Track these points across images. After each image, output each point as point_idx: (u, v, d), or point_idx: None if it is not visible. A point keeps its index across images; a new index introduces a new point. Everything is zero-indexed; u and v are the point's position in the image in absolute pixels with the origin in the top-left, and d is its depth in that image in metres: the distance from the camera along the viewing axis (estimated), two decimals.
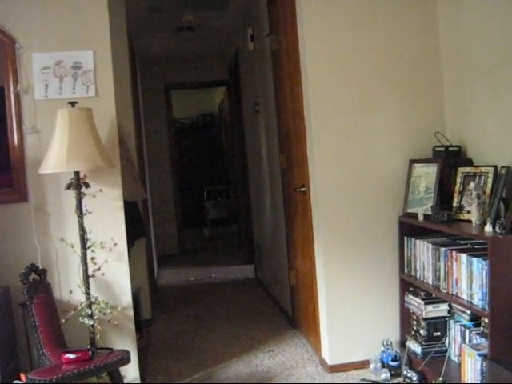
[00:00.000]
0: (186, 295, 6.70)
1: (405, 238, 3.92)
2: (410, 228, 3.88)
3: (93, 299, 3.52)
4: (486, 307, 3.01)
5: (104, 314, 3.57)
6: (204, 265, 8.46)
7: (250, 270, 7.47)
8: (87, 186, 3.48)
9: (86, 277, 3.49)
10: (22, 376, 3.12)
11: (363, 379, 3.83)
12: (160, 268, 8.24)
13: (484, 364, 3.07)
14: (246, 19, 6.21)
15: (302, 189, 4.24)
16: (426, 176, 3.78)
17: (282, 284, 5.49)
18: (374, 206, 3.99)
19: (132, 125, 5.28)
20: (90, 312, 3.47)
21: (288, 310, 5.26)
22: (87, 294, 3.49)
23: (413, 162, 3.92)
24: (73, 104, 3.41)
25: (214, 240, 10.65)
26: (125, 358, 3.25)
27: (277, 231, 5.57)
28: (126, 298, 3.77)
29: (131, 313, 3.78)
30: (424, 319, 3.75)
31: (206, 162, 12.33)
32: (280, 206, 5.21)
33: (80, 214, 3.46)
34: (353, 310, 4.01)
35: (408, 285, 3.94)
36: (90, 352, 3.22)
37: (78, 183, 3.43)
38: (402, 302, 3.98)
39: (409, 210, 3.88)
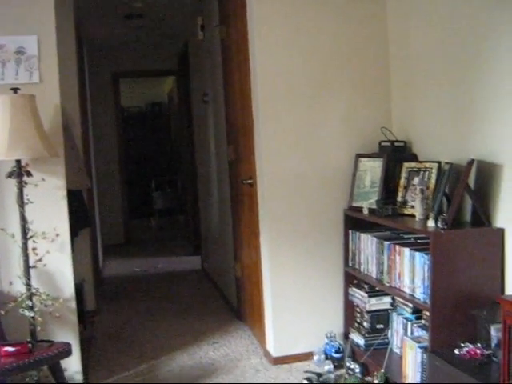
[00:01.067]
0: (132, 286, 6.63)
1: (350, 231, 3.95)
2: (355, 221, 3.92)
3: (34, 290, 3.43)
4: (427, 301, 3.06)
5: (45, 305, 3.49)
6: (150, 255, 8.40)
7: (197, 260, 7.44)
8: (29, 174, 3.39)
9: (27, 268, 3.41)
10: None
11: (307, 371, 3.85)
12: (106, 258, 8.13)
13: (424, 356, 3.12)
14: (196, 8, 6.15)
15: (249, 181, 4.24)
16: (372, 170, 3.82)
17: (227, 275, 5.49)
18: (320, 199, 4.01)
19: (78, 112, 5.19)
20: (30, 304, 3.39)
21: (233, 302, 5.26)
22: (28, 285, 3.41)
23: (359, 156, 3.96)
24: (15, 90, 3.32)
25: (160, 230, 10.58)
26: (66, 351, 3.20)
27: (223, 223, 5.55)
28: (69, 290, 3.70)
29: (74, 304, 3.71)
30: (367, 312, 3.80)
31: (154, 152, 12.22)
32: (227, 197, 5.20)
33: (21, 203, 3.37)
34: (297, 303, 4.03)
35: (352, 278, 3.98)
36: (30, 345, 3.16)
37: (19, 172, 3.34)
38: (346, 294, 4.02)
39: (354, 204, 3.92)
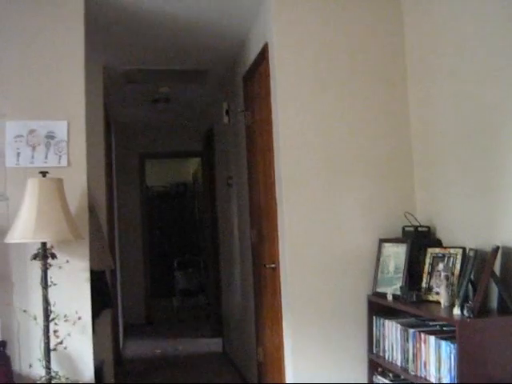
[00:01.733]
0: (152, 368, 6.53)
1: (374, 317, 3.88)
2: (379, 307, 3.85)
3: (53, 374, 3.41)
4: None
5: None
6: (171, 337, 8.30)
7: (218, 343, 7.34)
8: (54, 256, 3.43)
9: (47, 350, 3.39)
10: None
11: None
12: (126, 338, 8.05)
13: None
14: (222, 94, 6.32)
15: (272, 265, 4.22)
16: (396, 256, 3.79)
17: (249, 360, 5.39)
18: (343, 284, 3.97)
19: (104, 195, 5.26)
20: None
21: None
22: (47, 368, 3.38)
23: (382, 241, 3.94)
24: (44, 173, 3.39)
25: (182, 311, 10.48)
26: None
27: (246, 306, 5.50)
28: (88, 373, 3.66)
29: None
30: None
31: (177, 232, 12.27)
32: (250, 280, 5.17)
33: (45, 285, 3.39)
34: None
35: (377, 365, 3.89)
36: None
37: (44, 254, 3.38)
38: (371, 382, 3.92)
39: (378, 290, 3.87)
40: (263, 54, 4.28)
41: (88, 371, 3.67)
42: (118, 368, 5.95)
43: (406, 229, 3.89)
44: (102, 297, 4.82)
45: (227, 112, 5.88)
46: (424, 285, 3.57)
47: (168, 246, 12.02)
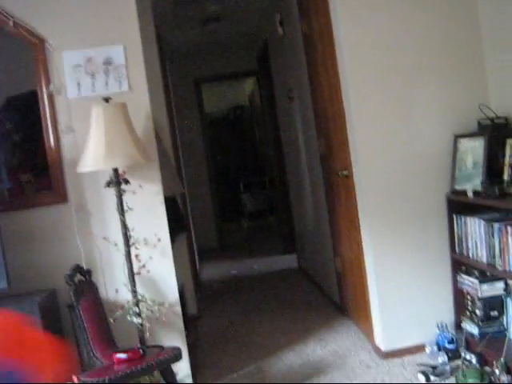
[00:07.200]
0: (230, 289, 6.64)
1: (454, 216, 3.78)
2: (458, 205, 3.74)
3: (139, 297, 3.47)
4: None
5: (151, 311, 3.51)
6: (245, 257, 8.40)
7: (293, 259, 7.37)
8: (127, 182, 3.43)
9: (132, 275, 3.44)
10: (74, 378, 3.08)
11: (420, 364, 3.71)
12: (201, 263, 8.19)
13: None
14: (274, 5, 6.10)
15: (345, 172, 4.13)
16: (473, 150, 3.64)
17: (327, 271, 5.39)
18: (420, 184, 3.86)
19: (166, 120, 5.22)
20: (137, 310, 3.42)
21: (335, 298, 5.16)
22: (133, 292, 3.44)
23: (458, 137, 3.78)
24: (107, 100, 3.35)
25: (253, 232, 10.57)
26: (176, 355, 3.20)
27: (319, 218, 5.46)
28: (173, 294, 3.72)
29: (179, 309, 3.72)
30: (479, 299, 3.62)
31: (239, 155, 12.26)
32: (321, 191, 5.10)
33: (121, 211, 3.41)
34: (404, 294, 3.89)
35: (460, 264, 3.81)
36: (141, 351, 3.18)
37: (117, 180, 3.38)
38: (455, 282, 3.85)
39: (457, 187, 3.75)
40: None
41: (172, 293, 3.72)
42: (197, 291, 6.06)
43: (482, 122, 3.71)
44: (175, 222, 4.86)
45: (281, 22, 5.68)
46: (506, 177, 3.42)
47: (232, 169, 12.05)
